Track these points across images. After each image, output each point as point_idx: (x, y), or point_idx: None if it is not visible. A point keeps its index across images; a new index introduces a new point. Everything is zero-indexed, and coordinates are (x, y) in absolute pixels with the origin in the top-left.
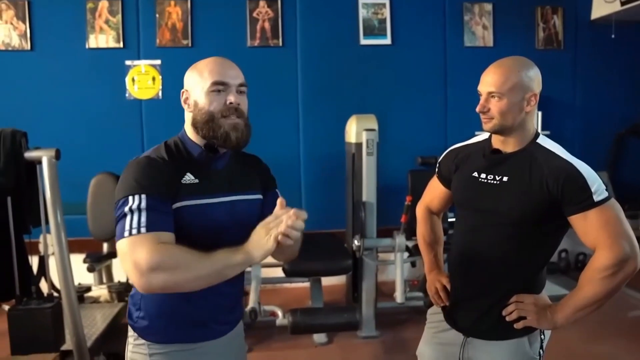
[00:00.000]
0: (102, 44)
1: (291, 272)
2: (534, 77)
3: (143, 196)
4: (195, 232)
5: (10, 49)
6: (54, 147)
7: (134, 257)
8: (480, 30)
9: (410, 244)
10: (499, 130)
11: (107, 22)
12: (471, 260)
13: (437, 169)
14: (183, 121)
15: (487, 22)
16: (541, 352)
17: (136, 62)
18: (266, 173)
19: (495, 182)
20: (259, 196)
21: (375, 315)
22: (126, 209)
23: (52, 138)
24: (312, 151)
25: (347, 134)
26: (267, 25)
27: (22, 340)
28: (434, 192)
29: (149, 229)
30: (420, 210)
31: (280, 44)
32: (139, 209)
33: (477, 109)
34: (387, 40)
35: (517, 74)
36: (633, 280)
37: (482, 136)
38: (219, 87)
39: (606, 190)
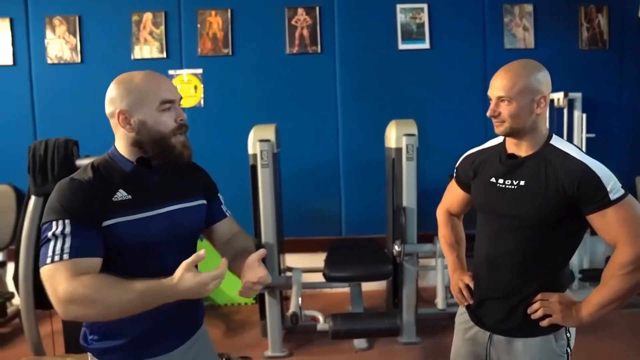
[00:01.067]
0: (147, 55)
1: (332, 277)
2: (543, 80)
3: (67, 221)
4: (133, 248)
5: (62, 62)
6: (101, 154)
7: (53, 286)
8: (520, 32)
9: None
10: (510, 134)
11: (151, 33)
12: (495, 263)
13: (455, 174)
14: (226, 128)
15: (528, 23)
16: (569, 351)
17: (179, 72)
18: (206, 178)
19: (512, 187)
20: (203, 201)
21: (415, 322)
22: (49, 234)
23: (101, 146)
24: (352, 156)
25: (386, 139)
26: (305, 32)
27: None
28: (453, 196)
29: (72, 255)
30: (440, 214)
31: (319, 50)
32: (62, 234)
33: (488, 114)
34: (426, 45)
35: (525, 78)
36: None
37: (496, 140)
38: (167, 105)
39: (622, 187)
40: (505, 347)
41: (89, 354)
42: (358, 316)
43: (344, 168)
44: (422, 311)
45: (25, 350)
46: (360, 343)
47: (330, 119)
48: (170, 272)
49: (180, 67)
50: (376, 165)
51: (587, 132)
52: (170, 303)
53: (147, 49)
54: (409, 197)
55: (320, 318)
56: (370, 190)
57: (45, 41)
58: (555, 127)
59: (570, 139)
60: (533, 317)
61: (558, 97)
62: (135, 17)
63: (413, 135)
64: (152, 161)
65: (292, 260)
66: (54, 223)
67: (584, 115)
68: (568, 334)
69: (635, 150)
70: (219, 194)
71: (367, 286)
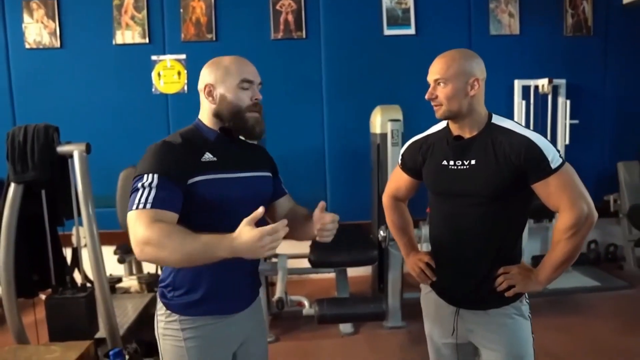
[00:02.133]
0: (129, 40)
1: (317, 263)
2: (475, 65)
3: (155, 175)
4: (215, 206)
5: (41, 47)
6: (84, 141)
7: (134, 229)
8: (506, 18)
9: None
10: (449, 116)
11: (132, 18)
12: (455, 241)
13: (400, 161)
14: None
15: (513, 9)
16: (530, 316)
17: (162, 57)
18: (272, 160)
19: (464, 167)
20: (270, 174)
21: (401, 306)
22: (139, 184)
23: (81, 132)
24: (337, 142)
25: (371, 125)
26: (290, 17)
27: (59, 328)
28: (399, 181)
29: (154, 205)
30: (386, 199)
31: (304, 36)
32: (150, 186)
33: (426, 97)
34: (411, 30)
35: (458, 61)
36: None
37: (439, 125)
38: (245, 84)
39: (560, 156)
40: (474, 320)
41: (162, 311)
42: (344, 301)
43: (329, 154)
44: (407, 295)
45: (9, 340)
46: (346, 328)
47: (315, 105)
48: None
49: (163, 53)
50: (361, 151)
51: (571, 118)
52: (241, 262)
53: (129, 34)
54: None
55: (306, 303)
56: (355, 176)
57: (23, 25)
58: (540, 114)
59: (554, 125)
60: (499, 289)
61: (542, 83)
62: (116, 1)
63: (398, 120)
64: (233, 132)
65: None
66: (145, 176)
67: (568, 102)
68: (527, 300)
69: (618, 136)
70: (279, 176)
71: (352, 272)
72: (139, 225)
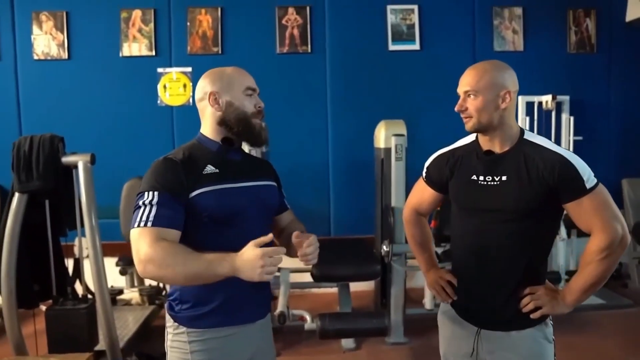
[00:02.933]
0: (135, 52)
1: (320, 277)
2: (507, 77)
3: (156, 193)
4: (219, 215)
5: (49, 58)
6: (89, 152)
7: (137, 246)
8: (510, 34)
9: (439, 250)
10: (479, 129)
11: (140, 30)
12: (481, 258)
13: (425, 174)
14: None
15: (517, 26)
16: (553, 339)
17: (168, 70)
18: (276, 173)
19: (495, 182)
20: (274, 184)
21: (403, 322)
22: (141, 202)
23: (87, 143)
24: (341, 156)
25: (376, 139)
26: (296, 32)
27: (58, 339)
28: (422, 195)
29: (154, 223)
30: (407, 213)
31: (309, 50)
32: (150, 203)
33: (456, 108)
34: (416, 46)
35: (490, 74)
36: None
37: (467, 139)
38: (250, 91)
39: (594, 177)
40: (496, 341)
41: (170, 323)
42: (346, 316)
43: (333, 168)
44: (410, 311)
45: (7, 351)
46: (348, 343)
47: (320, 119)
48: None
49: (170, 65)
50: (365, 166)
51: (575, 134)
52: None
53: (135, 46)
54: (397, 197)
55: (308, 318)
56: (359, 190)
57: (32, 37)
58: (544, 130)
59: (558, 142)
60: (524, 310)
61: (546, 99)
62: (124, 14)
63: (402, 135)
64: (235, 141)
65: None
66: (146, 193)
67: (572, 118)
68: (551, 322)
69: (623, 153)
70: (282, 190)
71: (355, 286)
72: (141, 243)
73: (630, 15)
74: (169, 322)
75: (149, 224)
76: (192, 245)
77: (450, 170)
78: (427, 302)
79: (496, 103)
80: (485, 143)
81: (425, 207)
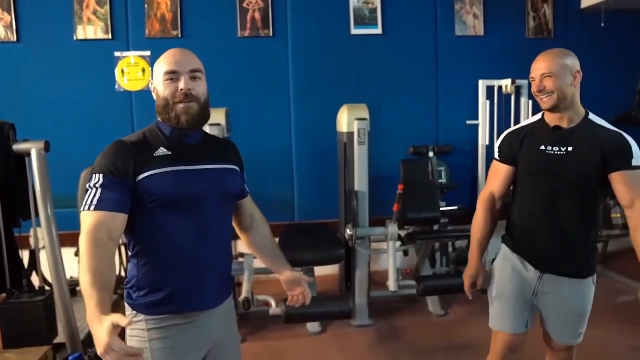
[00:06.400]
0: (91, 35)
1: None
2: (575, 60)
3: (101, 175)
4: (173, 199)
5: None
6: (43, 139)
7: (82, 230)
8: (470, 19)
9: (402, 232)
10: (557, 105)
11: (95, 12)
12: (549, 215)
13: (497, 153)
14: None
15: (478, 11)
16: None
17: (125, 54)
18: (239, 155)
19: (561, 152)
20: (237, 168)
21: (368, 304)
22: (88, 185)
23: (41, 130)
24: (304, 141)
25: (338, 124)
26: (257, 15)
27: (14, 334)
28: (497, 175)
29: (97, 207)
30: (481, 196)
31: (271, 34)
32: (95, 186)
33: (534, 90)
34: (378, 30)
35: (562, 57)
36: (621, 266)
37: (532, 119)
38: (170, 75)
39: None
40: (557, 283)
41: (128, 312)
42: (311, 300)
43: (296, 152)
44: (374, 294)
45: None
46: (313, 327)
47: (282, 103)
48: (212, 227)
49: (127, 49)
50: (328, 150)
51: (533, 116)
52: (208, 261)
53: (90, 29)
54: (360, 181)
55: (273, 303)
56: (322, 174)
57: None
58: (503, 113)
59: (517, 124)
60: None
61: (506, 83)
62: None
63: (364, 119)
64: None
65: (244, 245)
66: (94, 176)
67: (530, 102)
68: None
69: None
70: (244, 174)
71: (320, 271)
72: (83, 226)
73: (585, 3)
74: (127, 310)
75: (92, 207)
76: (144, 232)
77: (520, 143)
78: (391, 284)
79: (570, 80)
80: (554, 120)
81: (501, 186)
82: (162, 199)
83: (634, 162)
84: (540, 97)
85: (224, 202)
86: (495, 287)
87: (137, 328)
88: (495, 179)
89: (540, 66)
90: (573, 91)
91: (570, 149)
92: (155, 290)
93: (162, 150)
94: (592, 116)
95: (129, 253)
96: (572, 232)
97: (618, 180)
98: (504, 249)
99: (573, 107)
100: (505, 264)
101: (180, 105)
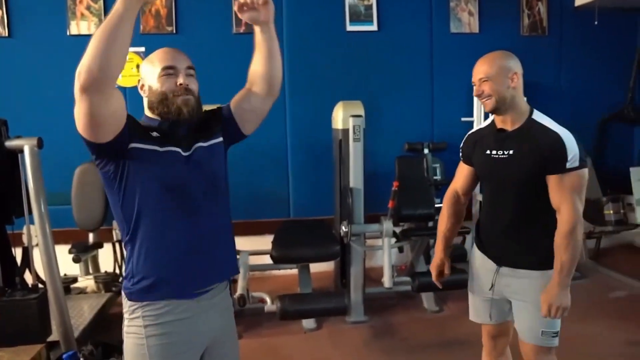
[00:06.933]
0: (84, 31)
1: (279, 259)
2: (512, 62)
3: None
4: (165, 188)
5: None
6: (37, 136)
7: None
8: (466, 16)
9: (397, 229)
10: (497, 107)
11: (88, 8)
12: (497, 216)
13: (461, 153)
14: None
15: (473, 8)
16: None
17: None
18: (218, 111)
19: (504, 155)
20: (219, 139)
21: (363, 301)
22: None
23: (34, 127)
24: (299, 138)
25: (333, 121)
26: None
27: (7, 332)
28: (460, 173)
29: None
30: (447, 193)
31: None
32: None
33: (475, 94)
34: (374, 27)
35: (498, 60)
36: (613, 262)
37: (486, 122)
38: (169, 71)
39: (580, 160)
40: (511, 274)
41: (126, 308)
42: (306, 296)
43: (292, 149)
44: (369, 290)
45: None
46: (309, 323)
47: (277, 100)
48: (202, 208)
49: None
50: (324, 147)
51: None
52: (199, 242)
53: (84, 24)
54: (355, 178)
55: (268, 300)
56: (318, 171)
57: None
58: None
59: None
60: (550, 317)
61: None
62: None
63: (360, 116)
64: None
65: (240, 243)
66: None
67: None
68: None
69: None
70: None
71: (315, 268)
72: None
73: (578, 1)
74: (125, 307)
75: None
76: (133, 215)
77: (474, 147)
78: (386, 281)
79: (507, 83)
80: (499, 122)
81: (463, 184)
82: (151, 177)
83: (568, 165)
84: (481, 100)
85: (211, 183)
86: (468, 281)
87: (135, 325)
88: (458, 177)
89: (477, 70)
90: (512, 93)
91: (511, 152)
92: (150, 276)
93: (155, 133)
94: (537, 115)
95: (123, 242)
96: (526, 229)
97: (550, 184)
98: (474, 245)
99: (514, 108)
100: (472, 259)
101: (180, 98)
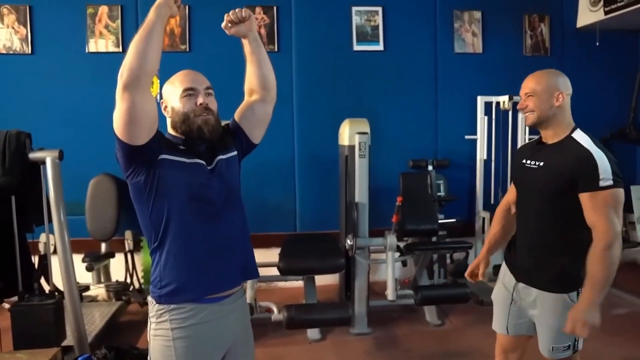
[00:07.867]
0: (102, 49)
1: (286, 271)
2: (561, 81)
3: None
4: (192, 201)
5: (11, 52)
6: (56, 148)
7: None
8: (469, 37)
9: (401, 244)
10: (537, 123)
11: (106, 27)
12: (524, 227)
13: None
14: None
15: (477, 29)
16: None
17: None
18: (227, 128)
19: (534, 166)
20: (234, 153)
21: (367, 313)
22: None
23: (53, 139)
24: (307, 153)
25: (340, 137)
26: (263, 31)
27: (24, 336)
28: (512, 185)
29: None
30: (499, 206)
31: (276, 49)
32: None
33: (518, 107)
34: (380, 47)
35: (546, 78)
36: (616, 280)
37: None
38: (189, 92)
39: (613, 179)
40: (527, 293)
41: (152, 313)
42: (312, 306)
43: (299, 165)
44: (373, 303)
45: None
46: (313, 334)
47: (286, 117)
48: (224, 225)
49: None
50: (330, 162)
51: (530, 133)
52: (220, 247)
53: (102, 42)
54: (361, 193)
55: (275, 309)
56: (324, 186)
57: None
58: (501, 128)
59: (514, 140)
60: (576, 335)
61: (503, 100)
62: (90, 10)
63: (365, 133)
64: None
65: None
66: None
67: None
68: (580, 290)
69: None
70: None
71: (320, 280)
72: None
73: (580, 22)
74: (152, 311)
75: None
76: (160, 224)
77: (519, 157)
78: (390, 294)
79: (551, 102)
80: (543, 136)
81: (513, 195)
82: (179, 187)
83: (601, 184)
84: (524, 114)
85: (231, 193)
86: (494, 290)
87: (162, 328)
88: (511, 188)
89: (525, 85)
90: (555, 111)
91: (541, 163)
92: (176, 280)
93: (181, 147)
94: (577, 133)
95: (150, 249)
96: (543, 246)
97: (584, 203)
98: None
99: (556, 125)
100: (501, 270)
101: (201, 117)
